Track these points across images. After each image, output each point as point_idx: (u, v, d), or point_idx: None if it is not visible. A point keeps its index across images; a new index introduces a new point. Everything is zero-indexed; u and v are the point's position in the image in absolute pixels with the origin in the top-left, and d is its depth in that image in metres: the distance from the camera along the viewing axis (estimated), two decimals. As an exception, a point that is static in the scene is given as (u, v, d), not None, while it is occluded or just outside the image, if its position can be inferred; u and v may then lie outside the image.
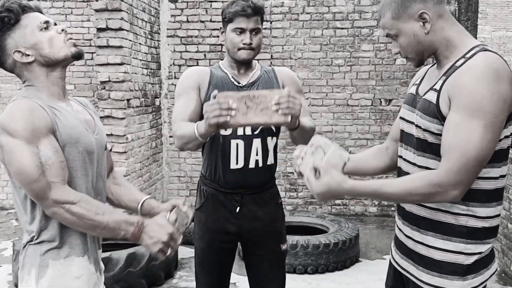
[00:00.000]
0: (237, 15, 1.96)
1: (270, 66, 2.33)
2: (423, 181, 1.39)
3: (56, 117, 1.42)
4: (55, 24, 1.49)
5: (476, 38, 5.62)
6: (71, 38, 1.49)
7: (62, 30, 1.48)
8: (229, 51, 2.04)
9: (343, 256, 4.00)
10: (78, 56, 1.49)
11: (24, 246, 1.47)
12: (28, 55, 1.44)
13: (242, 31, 1.98)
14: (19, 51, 1.43)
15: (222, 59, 2.23)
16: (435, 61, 1.55)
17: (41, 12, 1.50)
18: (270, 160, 2.10)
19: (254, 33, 2.00)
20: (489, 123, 1.32)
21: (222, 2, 5.61)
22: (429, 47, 1.48)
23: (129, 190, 1.71)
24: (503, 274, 3.96)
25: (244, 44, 1.98)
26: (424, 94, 1.49)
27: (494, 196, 1.45)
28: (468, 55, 1.40)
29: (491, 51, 1.39)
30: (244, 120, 1.70)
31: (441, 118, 1.40)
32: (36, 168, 1.33)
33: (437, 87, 1.44)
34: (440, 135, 1.41)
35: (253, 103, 1.69)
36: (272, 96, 1.70)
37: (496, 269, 1.52)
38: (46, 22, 1.46)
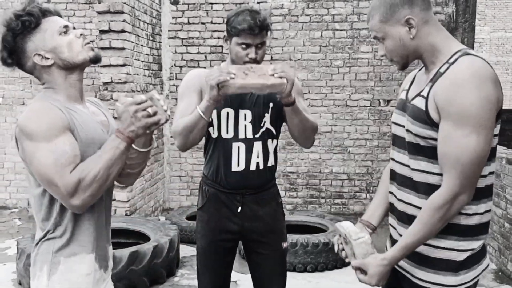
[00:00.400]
0: (244, 32, 1.98)
1: None
2: (429, 210, 1.43)
3: (73, 118, 1.46)
4: (74, 28, 1.53)
5: (474, 39, 5.68)
6: (89, 43, 1.53)
7: (81, 34, 1.52)
8: (233, 62, 2.06)
9: (342, 254, 4.03)
10: (96, 60, 1.53)
11: (37, 244, 1.51)
12: (48, 58, 1.48)
13: (248, 46, 2.01)
14: (39, 54, 1.47)
15: (223, 61, 2.26)
16: (423, 65, 1.58)
17: (60, 16, 1.53)
18: (271, 162, 2.14)
19: (259, 46, 2.03)
20: (480, 126, 1.36)
21: (223, 4, 5.66)
22: (413, 52, 1.52)
23: None
24: (500, 273, 4.00)
25: (249, 58, 2.00)
26: (413, 99, 1.52)
27: (485, 193, 1.49)
28: (451, 61, 1.44)
29: (473, 54, 1.43)
30: (243, 81, 1.84)
31: (431, 123, 1.44)
32: (54, 167, 1.37)
33: (424, 93, 1.47)
34: (431, 139, 1.45)
35: (251, 71, 1.86)
36: (268, 66, 1.89)
37: (488, 264, 1.56)
38: (66, 26, 1.50)
